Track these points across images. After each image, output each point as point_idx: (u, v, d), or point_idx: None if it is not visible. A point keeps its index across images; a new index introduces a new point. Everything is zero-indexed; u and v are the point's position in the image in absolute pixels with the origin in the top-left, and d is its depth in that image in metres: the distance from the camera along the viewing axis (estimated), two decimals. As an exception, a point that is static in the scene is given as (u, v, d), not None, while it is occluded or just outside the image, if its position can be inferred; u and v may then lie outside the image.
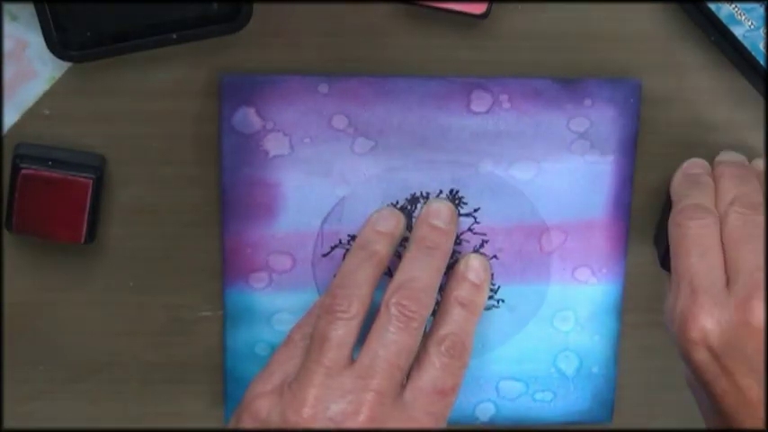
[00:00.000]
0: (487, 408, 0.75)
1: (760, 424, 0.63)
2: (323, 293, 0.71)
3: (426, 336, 0.65)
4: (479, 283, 0.67)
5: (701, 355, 0.64)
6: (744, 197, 0.66)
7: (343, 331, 0.63)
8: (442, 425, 0.64)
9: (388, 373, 0.63)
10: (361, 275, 0.65)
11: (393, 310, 0.64)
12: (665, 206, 0.71)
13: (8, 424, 0.73)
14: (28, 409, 0.74)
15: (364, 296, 0.64)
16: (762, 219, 0.65)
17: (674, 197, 0.69)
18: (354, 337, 0.64)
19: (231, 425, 0.65)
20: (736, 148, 0.72)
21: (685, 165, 0.70)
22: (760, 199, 0.66)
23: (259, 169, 0.70)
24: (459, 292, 0.67)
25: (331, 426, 0.61)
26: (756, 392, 0.63)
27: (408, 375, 0.64)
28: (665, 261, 0.70)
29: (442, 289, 0.67)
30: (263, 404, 0.63)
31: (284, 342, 0.66)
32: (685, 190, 0.69)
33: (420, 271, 0.65)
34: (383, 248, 0.66)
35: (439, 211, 0.68)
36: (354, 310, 0.63)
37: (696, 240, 0.66)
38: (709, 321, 0.64)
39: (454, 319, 0.66)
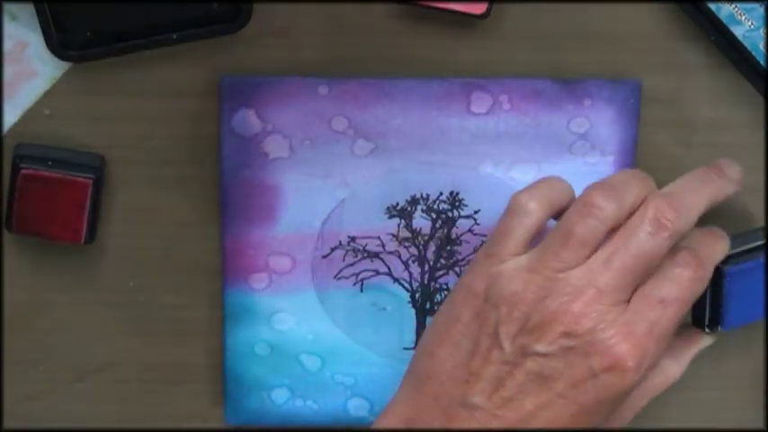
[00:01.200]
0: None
1: None
2: (319, 291, 0.71)
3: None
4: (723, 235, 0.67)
5: None
6: None
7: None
8: (661, 340, 0.62)
9: (618, 272, 0.61)
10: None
11: (650, 212, 0.62)
12: None
13: (8, 424, 0.74)
14: (28, 409, 0.74)
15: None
16: None
17: None
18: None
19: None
20: (737, 147, 0.72)
21: None
22: None
23: (259, 171, 0.70)
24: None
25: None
26: None
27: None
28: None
29: None
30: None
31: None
32: None
33: (691, 192, 0.64)
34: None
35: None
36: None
37: None
38: None
39: (696, 236, 0.65)
